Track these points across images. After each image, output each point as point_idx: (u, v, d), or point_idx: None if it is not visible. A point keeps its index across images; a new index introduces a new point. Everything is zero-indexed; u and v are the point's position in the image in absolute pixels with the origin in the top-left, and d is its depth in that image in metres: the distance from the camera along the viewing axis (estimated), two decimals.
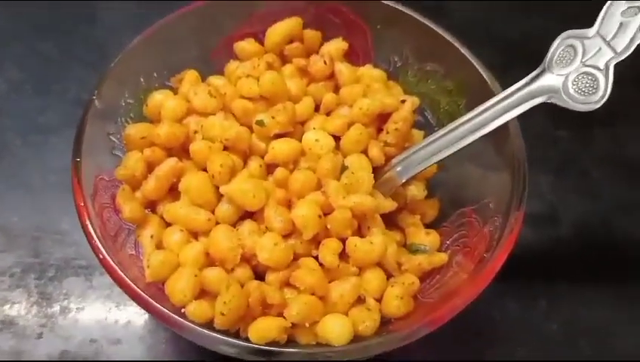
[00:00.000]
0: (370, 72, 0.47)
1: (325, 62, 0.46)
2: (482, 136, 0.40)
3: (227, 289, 0.35)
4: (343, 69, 0.46)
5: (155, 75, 0.45)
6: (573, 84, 0.37)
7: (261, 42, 0.48)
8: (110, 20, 0.64)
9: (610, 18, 0.37)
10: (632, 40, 0.36)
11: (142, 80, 0.44)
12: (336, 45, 0.47)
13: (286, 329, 0.36)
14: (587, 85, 0.37)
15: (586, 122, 0.59)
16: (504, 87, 0.41)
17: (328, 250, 0.38)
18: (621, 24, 0.36)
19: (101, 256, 0.35)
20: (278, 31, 0.47)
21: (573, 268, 0.51)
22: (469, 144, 0.40)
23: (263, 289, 0.37)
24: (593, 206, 0.54)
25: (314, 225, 0.38)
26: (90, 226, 0.36)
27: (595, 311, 0.48)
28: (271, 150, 0.41)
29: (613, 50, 0.36)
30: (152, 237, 0.39)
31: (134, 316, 0.47)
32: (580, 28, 0.38)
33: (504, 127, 0.39)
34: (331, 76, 0.47)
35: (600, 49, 0.37)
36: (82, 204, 0.36)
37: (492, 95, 0.40)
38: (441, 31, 0.44)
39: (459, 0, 0.66)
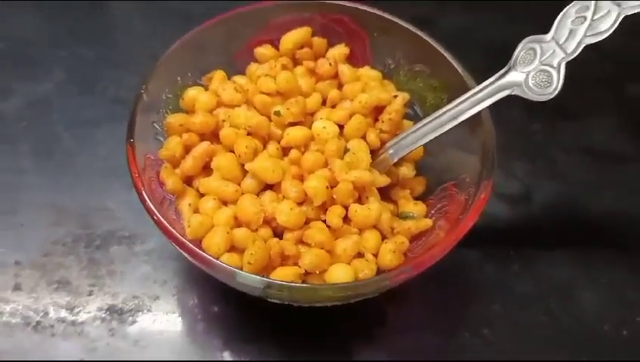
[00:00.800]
0: (368, 73, 0.55)
1: (330, 64, 0.54)
2: (460, 124, 0.48)
3: (253, 244, 0.44)
4: (345, 69, 0.54)
5: (189, 74, 0.53)
6: (533, 79, 0.45)
7: (276, 47, 0.56)
8: (141, 29, 0.73)
9: (562, 26, 0.45)
10: (579, 43, 0.45)
11: (179, 78, 0.53)
12: (340, 50, 0.55)
13: (300, 276, 0.44)
14: (543, 80, 0.45)
15: (556, 117, 0.67)
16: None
17: (334, 215, 0.46)
18: (571, 30, 0.45)
19: (155, 217, 0.43)
20: (291, 38, 0.55)
21: (542, 237, 0.58)
22: (449, 130, 0.48)
23: (281, 245, 0.45)
24: (560, 187, 0.62)
25: (322, 194, 0.46)
26: (144, 192, 0.44)
27: (559, 272, 0.56)
28: (286, 136, 0.50)
29: (565, 51, 0.45)
30: (189, 205, 0.48)
31: (170, 276, 0.55)
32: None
33: (478, 117, 0.48)
34: (335, 76, 0.55)
35: (554, 51, 0.45)
36: (137, 175, 0.45)
37: (467, 89, 0.48)
38: (427, 38, 0.52)
39: (447, 12, 0.75)
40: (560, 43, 0.45)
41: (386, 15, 0.54)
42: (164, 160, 0.49)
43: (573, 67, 0.45)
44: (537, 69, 0.45)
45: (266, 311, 0.49)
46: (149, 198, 0.44)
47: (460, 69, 0.51)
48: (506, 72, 0.47)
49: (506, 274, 0.56)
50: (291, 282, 0.43)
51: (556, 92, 0.45)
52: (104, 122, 0.64)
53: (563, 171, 0.63)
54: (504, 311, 0.54)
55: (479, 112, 0.48)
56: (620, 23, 0.44)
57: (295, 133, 0.50)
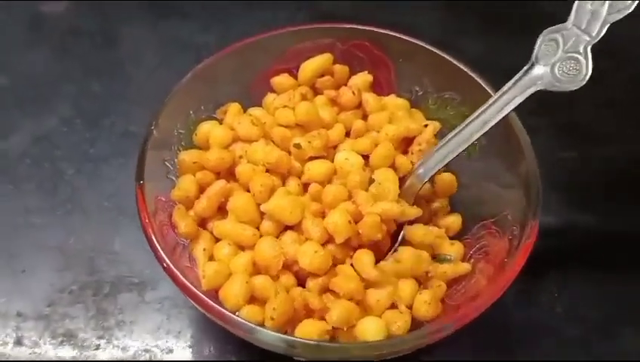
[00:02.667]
0: (394, 101, 0.52)
1: (353, 93, 0.50)
2: (497, 157, 0.44)
3: (275, 296, 0.40)
4: (369, 98, 0.50)
5: (202, 107, 0.50)
6: (559, 70, 0.42)
7: (295, 76, 0.52)
8: (149, 63, 0.69)
9: (582, 11, 0.42)
10: (603, 23, 0.41)
11: (191, 112, 0.49)
12: (363, 78, 0.52)
13: (327, 332, 0.40)
14: (571, 69, 0.42)
15: (587, 141, 0.63)
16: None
17: (363, 263, 0.42)
18: (592, 13, 0.41)
19: (165, 265, 0.39)
20: (311, 67, 0.51)
21: (586, 272, 0.54)
22: (484, 160, 0.45)
23: (305, 296, 0.41)
24: (598, 218, 0.57)
25: (345, 229, 0.42)
26: (154, 240, 0.40)
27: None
28: (307, 171, 0.46)
29: (589, 35, 0.42)
30: (204, 250, 0.44)
31: (184, 327, 0.51)
32: None
33: (518, 149, 0.44)
34: (359, 105, 0.51)
35: (577, 37, 0.42)
36: (147, 221, 0.41)
37: (505, 119, 0.44)
38: (457, 63, 0.48)
39: (469, 35, 0.71)
40: (582, 28, 0.42)
41: (412, 39, 0.50)
42: (176, 201, 0.45)
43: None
44: (563, 58, 0.42)
45: None
46: (160, 246, 0.40)
47: (493, 95, 0.46)
48: (529, 69, 0.43)
49: (550, 316, 0.52)
50: (318, 341, 0.38)
51: (587, 78, 0.41)
52: (111, 158, 0.61)
53: (599, 201, 0.59)
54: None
55: (519, 141, 0.44)
56: None
57: (317, 168, 0.46)
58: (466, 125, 0.44)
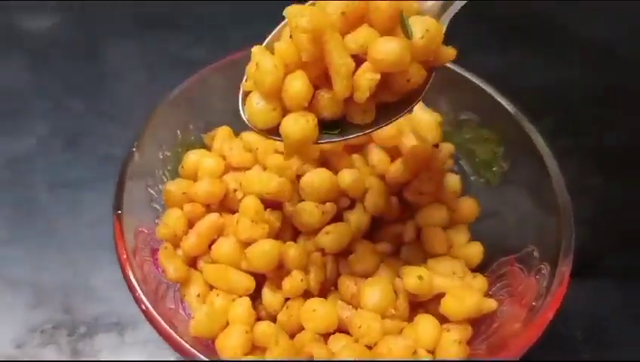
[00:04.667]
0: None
1: None
2: (520, 185, 0.40)
3: (276, 345, 0.35)
4: None
5: (191, 127, 0.45)
6: None
7: None
8: (136, 79, 0.65)
9: None
10: None
11: (178, 132, 0.44)
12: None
13: None
14: None
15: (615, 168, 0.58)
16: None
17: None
18: None
19: (144, 308, 0.34)
20: None
21: (615, 317, 0.49)
22: (504, 188, 0.41)
23: (309, 345, 0.36)
24: (630, 253, 0.52)
25: None
26: (133, 279, 0.35)
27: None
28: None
29: None
30: (198, 296, 0.39)
31: None
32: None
33: (545, 176, 0.39)
34: None
35: None
36: (125, 257, 0.36)
37: (531, 143, 0.40)
38: (477, 80, 0.44)
39: (479, 51, 0.67)
40: None
41: None
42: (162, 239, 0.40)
43: None
44: None
45: None
46: (139, 286, 0.35)
47: (517, 117, 0.42)
48: None
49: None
50: None
51: None
52: (91, 183, 0.56)
53: (632, 234, 0.54)
54: None
55: (545, 167, 0.40)
56: None
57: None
58: None
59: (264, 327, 0.37)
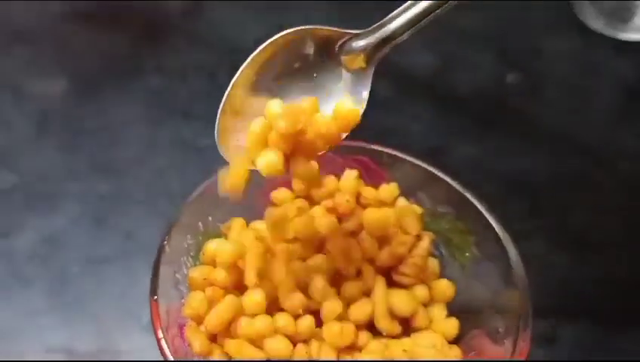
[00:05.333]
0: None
1: (347, 201, 0.53)
2: (487, 268, 0.48)
3: None
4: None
5: (210, 219, 0.53)
6: None
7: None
8: (157, 164, 0.72)
9: None
10: None
11: (200, 224, 0.52)
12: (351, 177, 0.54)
13: None
14: None
15: (577, 248, 0.66)
16: (502, 217, 0.49)
17: None
18: None
19: None
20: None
21: None
22: (474, 268, 0.49)
23: None
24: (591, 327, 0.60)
25: None
26: (169, 354, 0.42)
27: None
28: None
29: None
30: None
31: None
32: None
33: (508, 260, 0.47)
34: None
35: None
36: (161, 337, 0.43)
37: (497, 237, 0.48)
38: (452, 182, 0.52)
39: (458, 141, 0.75)
40: None
41: (409, 157, 0.54)
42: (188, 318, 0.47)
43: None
44: None
45: None
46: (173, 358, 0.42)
47: (486, 214, 0.50)
48: None
49: None
50: None
51: None
52: (116, 259, 0.63)
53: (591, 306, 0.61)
54: None
55: (506, 252, 0.48)
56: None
57: None
58: None
59: None
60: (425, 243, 0.51)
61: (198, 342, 0.46)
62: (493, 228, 0.49)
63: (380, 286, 0.49)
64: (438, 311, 0.51)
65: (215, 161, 0.51)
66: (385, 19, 0.43)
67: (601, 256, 0.65)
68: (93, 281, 0.62)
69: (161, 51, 0.86)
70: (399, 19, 0.42)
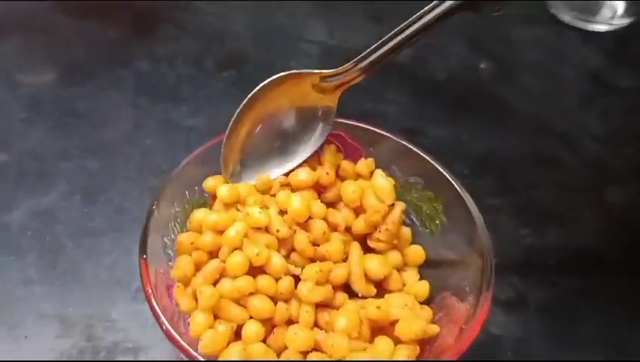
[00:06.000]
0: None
1: (327, 173, 0.56)
2: (457, 236, 0.52)
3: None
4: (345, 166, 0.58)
5: (196, 188, 0.56)
6: None
7: None
8: (145, 143, 0.76)
9: None
10: None
11: (187, 193, 0.55)
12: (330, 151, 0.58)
13: None
14: None
15: (544, 221, 0.70)
16: (473, 194, 0.53)
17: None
18: None
19: (165, 328, 0.44)
20: None
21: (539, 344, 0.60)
22: (446, 239, 0.52)
23: None
24: (553, 292, 0.64)
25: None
26: (157, 307, 0.45)
27: None
28: None
29: None
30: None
31: None
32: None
33: (474, 227, 0.51)
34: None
35: None
36: (150, 291, 0.46)
37: (463, 202, 0.52)
38: (420, 152, 0.55)
39: (432, 123, 0.79)
40: None
41: (381, 131, 0.57)
42: (175, 279, 0.50)
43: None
44: None
45: None
46: (162, 313, 0.45)
47: (453, 181, 0.54)
48: None
49: None
50: None
51: None
52: (108, 232, 0.66)
53: (555, 276, 0.65)
54: None
55: (474, 221, 0.51)
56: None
57: None
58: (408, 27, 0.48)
59: (257, 347, 0.47)
60: (397, 212, 0.55)
61: (184, 302, 0.49)
62: (460, 195, 0.53)
63: (355, 251, 0.53)
64: (411, 275, 0.55)
65: (201, 140, 0.56)
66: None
67: (564, 230, 0.69)
68: (84, 253, 0.65)
69: (150, 39, 0.89)
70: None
